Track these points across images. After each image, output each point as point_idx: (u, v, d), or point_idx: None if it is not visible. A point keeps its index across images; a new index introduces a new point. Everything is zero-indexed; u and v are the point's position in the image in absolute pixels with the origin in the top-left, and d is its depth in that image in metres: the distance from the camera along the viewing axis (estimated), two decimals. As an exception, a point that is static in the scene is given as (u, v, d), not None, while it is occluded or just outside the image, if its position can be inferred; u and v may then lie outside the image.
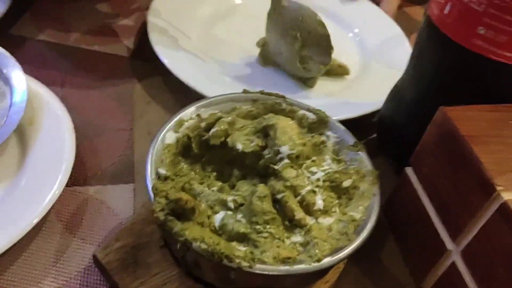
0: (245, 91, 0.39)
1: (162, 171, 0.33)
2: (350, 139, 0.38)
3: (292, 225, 0.32)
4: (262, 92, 0.40)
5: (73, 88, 0.51)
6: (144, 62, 0.55)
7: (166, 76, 0.51)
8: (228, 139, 0.35)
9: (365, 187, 0.35)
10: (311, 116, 0.39)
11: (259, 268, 0.29)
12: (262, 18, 0.54)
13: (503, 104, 0.37)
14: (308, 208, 0.33)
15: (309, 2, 0.68)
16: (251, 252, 0.30)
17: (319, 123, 0.39)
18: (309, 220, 0.32)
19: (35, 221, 0.36)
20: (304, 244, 0.31)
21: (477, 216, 0.32)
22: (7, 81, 0.43)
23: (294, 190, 0.33)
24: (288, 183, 0.33)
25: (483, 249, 0.32)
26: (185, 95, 0.48)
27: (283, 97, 0.40)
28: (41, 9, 0.61)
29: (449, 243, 0.35)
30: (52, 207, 0.39)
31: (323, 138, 0.38)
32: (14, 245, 0.35)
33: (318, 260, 0.30)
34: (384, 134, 0.49)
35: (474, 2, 0.34)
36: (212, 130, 0.36)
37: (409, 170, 0.41)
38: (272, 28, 0.53)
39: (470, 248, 0.33)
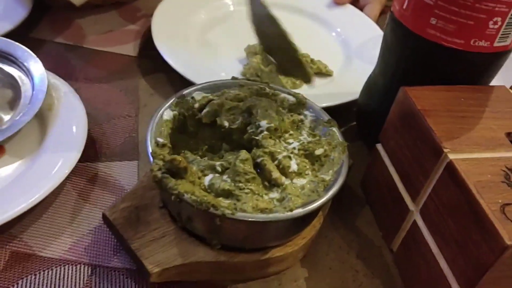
0: (233, 78, 0.46)
1: (160, 139, 0.38)
2: (325, 117, 0.44)
3: (271, 185, 0.38)
4: (248, 79, 0.46)
5: (87, 82, 0.57)
6: (149, 61, 0.61)
7: (167, 73, 0.58)
8: (217, 119, 0.42)
9: (336, 155, 0.41)
10: (291, 98, 0.45)
11: (240, 215, 0.34)
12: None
13: (458, 85, 0.43)
14: (284, 171, 0.38)
15: (296, 6, 0.75)
16: (234, 204, 0.35)
17: (298, 104, 0.45)
18: (285, 181, 0.38)
19: (51, 189, 0.41)
20: (280, 200, 0.37)
21: (430, 177, 0.38)
22: (28, 73, 0.50)
23: (272, 156, 0.38)
24: (266, 150, 0.39)
25: (435, 206, 0.37)
26: (184, 87, 0.54)
27: (266, 83, 0.46)
28: (58, 15, 0.68)
29: (410, 205, 0.40)
30: (68, 179, 0.45)
31: (301, 117, 0.44)
32: (36, 207, 0.41)
33: (291, 210, 0.35)
34: (361, 120, 0.54)
35: (426, -4, 0.40)
36: (204, 111, 0.42)
37: (379, 146, 0.46)
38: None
39: (426, 206, 0.38)
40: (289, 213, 0.35)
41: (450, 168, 0.35)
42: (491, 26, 0.39)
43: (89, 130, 0.48)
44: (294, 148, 0.40)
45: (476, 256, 0.33)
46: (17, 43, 0.52)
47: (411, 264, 0.41)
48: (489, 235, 0.31)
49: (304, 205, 0.36)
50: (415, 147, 0.40)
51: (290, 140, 0.41)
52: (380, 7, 0.76)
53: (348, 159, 0.40)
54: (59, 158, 0.44)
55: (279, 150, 0.39)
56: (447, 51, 0.41)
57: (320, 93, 0.57)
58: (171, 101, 0.42)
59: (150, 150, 0.37)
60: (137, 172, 0.47)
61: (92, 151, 0.49)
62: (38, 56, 0.51)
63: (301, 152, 0.40)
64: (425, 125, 0.38)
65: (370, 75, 0.52)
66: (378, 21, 0.75)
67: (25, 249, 0.40)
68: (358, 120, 0.55)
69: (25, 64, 0.51)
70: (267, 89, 0.45)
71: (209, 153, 0.42)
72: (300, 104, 0.45)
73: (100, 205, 0.44)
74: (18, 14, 0.61)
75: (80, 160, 0.45)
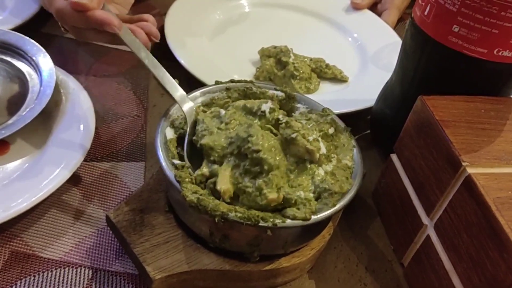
0: (217, 82, 0.44)
1: (176, 161, 0.37)
2: (319, 107, 0.44)
3: (301, 166, 0.37)
4: (232, 81, 0.45)
5: (96, 80, 0.56)
6: (160, 60, 0.60)
7: (179, 73, 0.56)
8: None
9: (345, 140, 0.41)
10: (280, 94, 0.44)
11: (290, 223, 0.34)
12: (267, 24, 0.59)
13: (478, 96, 0.41)
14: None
15: (313, 9, 0.74)
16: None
17: (288, 98, 0.44)
18: (320, 170, 0.38)
19: (54, 188, 0.40)
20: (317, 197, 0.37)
21: (447, 191, 0.36)
22: (37, 68, 0.49)
23: (303, 137, 0.37)
24: (297, 129, 0.38)
25: (451, 220, 0.35)
26: (193, 88, 0.53)
27: (251, 82, 0.45)
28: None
29: (424, 218, 0.39)
30: (72, 178, 0.44)
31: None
32: (39, 205, 0.40)
33: (334, 205, 0.35)
34: (376, 127, 0.53)
35: (449, 3, 0.38)
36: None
37: (393, 156, 0.44)
38: None
39: (441, 220, 0.37)
40: (334, 208, 0.35)
41: (469, 182, 0.34)
42: (516, 36, 0.37)
43: (96, 128, 0.47)
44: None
45: (492, 274, 0.31)
46: (26, 37, 0.51)
47: (423, 279, 0.39)
48: (507, 253, 0.30)
49: (341, 198, 0.36)
50: (431, 158, 0.38)
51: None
52: (398, 13, 0.74)
53: (357, 144, 0.41)
54: (64, 157, 0.43)
55: (309, 133, 0.38)
56: (469, 60, 0.39)
57: (334, 99, 0.55)
58: (164, 118, 0.40)
59: (172, 175, 0.36)
60: (143, 173, 0.46)
61: (99, 151, 0.48)
62: (47, 51, 0.51)
63: (319, 133, 0.40)
64: (443, 136, 0.37)
65: (387, 82, 0.50)
66: (396, 28, 0.73)
67: (25, 249, 0.39)
68: (372, 128, 0.54)
69: (34, 59, 0.50)
70: (254, 89, 0.44)
71: None
72: (290, 98, 0.44)
73: (104, 207, 0.43)
74: (29, 9, 0.60)
75: (85, 159, 0.44)
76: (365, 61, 0.65)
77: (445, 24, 0.39)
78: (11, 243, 0.39)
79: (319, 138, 0.39)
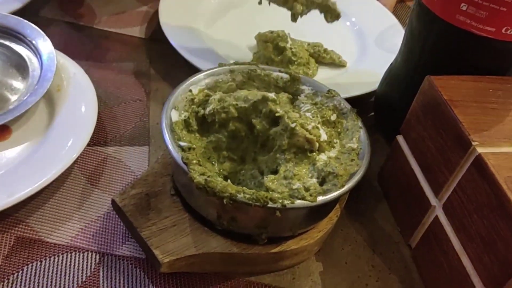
0: (220, 64, 0.44)
1: (183, 143, 0.37)
2: (324, 88, 0.43)
3: (302, 155, 0.37)
4: (236, 63, 0.44)
5: (96, 64, 0.55)
6: (160, 43, 0.59)
7: (179, 56, 0.56)
8: (253, 121, 0.39)
9: (350, 123, 0.41)
10: (284, 75, 0.44)
11: (299, 203, 0.34)
12: (264, 9, 0.58)
13: (486, 75, 0.41)
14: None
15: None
16: (288, 192, 0.35)
17: (293, 80, 0.44)
18: (321, 155, 0.38)
19: (59, 172, 0.40)
20: (322, 178, 0.36)
21: (456, 171, 0.36)
22: (37, 51, 0.48)
23: (302, 127, 0.37)
24: (295, 120, 0.37)
25: (460, 201, 0.35)
26: (196, 72, 0.52)
27: (255, 64, 0.44)
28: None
29: (432, 199, 0.39)
30: (76, 162, 0.43)
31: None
32: (43, 191, 0.40)
33: (342, 186, 0.35)
34: (380, 111, 0.52)
35: (457, -19, 0.38)
36: (208, 109, 0.39)
37: (399, 138, 0.44)
38: None
39: (450, 201, 0.37)
40: (343, 189, 0.35)
41: (479, 162, 0.33)
42: (525, 14, 0.37)
43: (98, 113, 0.46)
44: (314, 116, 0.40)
45: (504, 255, 0.31)
46: (25, 21, 0.50)
47: (431, 261, 0.39)
48: (519, 233, 0.30)
49: (350, 177, 0.36)
50: (439, 139, 0.38)
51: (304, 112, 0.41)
52: (396, -4, 0.74)
53: (363, 124, 0.41)
54: (67, 141, 0.42)
55: (307, 122, 0.38)
56: (477, 39, 0.39)
57: (336, 84, 0.55)
58: (171, 100, 0.39)
59: (179, 157, 0.35)
60: (147, 157, 0.46)
61: (102, 135, 0.47)
62: (47, 35, 0.50)
63: (320, 120, 0.40)
64: (452, 116, 0.36)
65: (391, 64, 0.50)
66: (395, 9, 0.72)
67: (31, 234, 0.38)
68: (376, 111, 0.53)
69: (34, 42, 0.49)
70: (258, 71, 0.44)
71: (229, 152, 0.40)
72: (295, 80, 0.44)
73: (109, 191, 0.42)
74: (28, -8, 0.59)
75: (89, 144, 0.44)
76: (364, 45, 0.64)
77: (452, 3, 0.38)
78: (17, 229, 0.38)
79: (319, 125, 0.39)
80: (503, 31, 0.38)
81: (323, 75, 0.59)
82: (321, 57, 0.60)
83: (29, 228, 0.39)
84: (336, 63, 0.61)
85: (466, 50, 0.40)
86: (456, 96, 0.38)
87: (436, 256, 0.38)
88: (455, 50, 0.41)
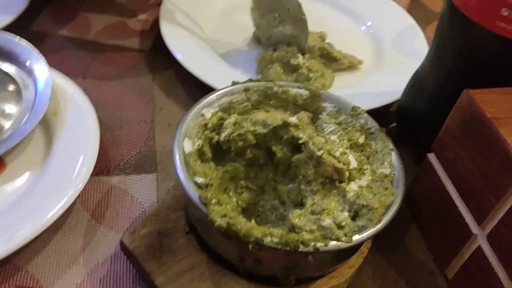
0: (234, 83, 0.40)
1: (199, 179, 0.33)
2: (348, 105, 0.39)
3: (331, 185, 0.33)
4: (250, 80, 0.40)
5: (95, 81, 0.51)
6: (163, 55, 0.55)
7: (183, 69, 0.52)
8: (273, 148, 0.35)
9: (379, 144, 0.37)
10: (304, 92, 0.40)
11: (333, 245, 0.30)
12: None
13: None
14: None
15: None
16: (319, 233, 0.31)
17: (313, 97, 0.40)
18: (351, 185, 0.34)
19: (62, 210, 0.36)
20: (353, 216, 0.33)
21: (504, 198, 0.32)
22: (30, 73, 0.44)
23: (330, 153, 0.33)
24: (321, 146, 0.33)
25: (508, 232, 0.32)
26: (202, 86, 0.48)
27: (271, 80, 0.40)
28: (60, 5, 0.62)
29: (474, 228, 0.35)
30: (78, 197, 0.39)
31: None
32: (42, 233, 0.36)
33: (379, 221, 0.32)
34: (404, 123, 0.48)
35: (497, -16, 0.34)
36: (223, 136, 0.35)
37: (431, 157, 0.40)
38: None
39: (496, 231, 0.33)
40: (380, 225, 0.32)
41: (533, 190, 0.30)
42: None
43: (100, 138, 0.42)
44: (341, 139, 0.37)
45: None
46: (17, 38, 0.46)
47: (473, 294, 0.35)
48: None
49: (386, 210, 0.33)
50: (483, 160, 0.34)
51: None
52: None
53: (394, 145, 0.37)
54: (68, 173, 0.39)
55: (335, 148, 0.34)
56: (520, 48, 0.35)
57: (355, 94, 0.51)
58: (183, 128, 0.35)
59: (195, 195, 0.31)
60: (155, 186, 0.42)
61: (105, 163, 0.43)
62: (40, 52, 0.46)
63: (348, 143, 0.37)
64: (497, 136, 0.32)
65: (417, 72, 0.46)
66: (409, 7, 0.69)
67: (32, 284, 0.34)
68: (399, 123, 0.49)
69: (27, 62, 0.45)
70: (275, 88, 0.40)
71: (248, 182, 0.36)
72: (315, 97, 0.40)
73: (116, 228, 0.39)
74: (17, 5, 0.55)
75: (91, 174, 0.40)
76: (381, 49, 0.60)
77: (492, 7, 0.35)
78: (16, 277, 0.35)
79: (347, 151, 0.35)
80: (549, 38, 0.34)
81: (340, 83, 0.55)
82: (340, 63, 0.56)
83: (29, 276, 0.35)
84: (354, 66, 0.57)
85: (508, 59, 0.36)
86: (500, 112, 0.34)
87: (480, 290, 0.35)
88: (495, 60, 0.37)
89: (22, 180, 0.39)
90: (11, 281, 0.34)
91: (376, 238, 0.40)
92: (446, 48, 0.40)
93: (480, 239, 0.35)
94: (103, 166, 0.43)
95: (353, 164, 0.34)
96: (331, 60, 0.56)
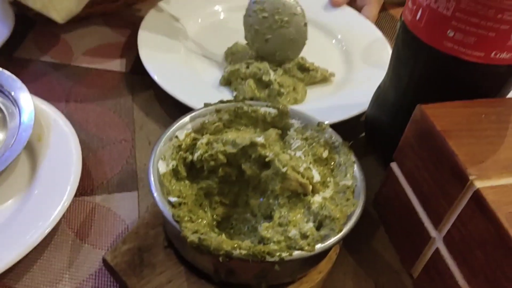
0: (206, 104, 0.42)
1: (173, 198, 0.35)
2: (314, 121, 0.42)
3: (296, 199, 0.36)
4: (221, 101, 0.43)
5: (77, 104, 0.54)
6: (141, 76, 0.58)
7: (161, 89, 0.54)
8: (243, 166, 0.38)
9: (342, 158, 0.40)
10: (272, 110, 0.43)
11: (297, 254, 0.32)
12: (243, 29, 0.58)
13: (477, 99, 0.40)
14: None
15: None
16: (285, 243, 0.33)
17: (281, 115, 0.42)
18: (316, 197, 0.36)
19: (47, 230, 0.38)
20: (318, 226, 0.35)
21: (454, 205, 0.35)
22: (15, 102, 0.46)
23: (293, 169, 0.36)
24: (286, 163, 0.36)
25: (461, 235, 0.34)
26: (180, 105, 0.51)
27: (241, 100, 0.43)
28: (42, 31, 0.64)
29: (432, 231, 0.38)
30: (63, 217, 0.42)
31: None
32: (29, 253, 0.38)
33: (340, 231, 0.34)
34: (371, 133, 0.51)
35: (442, 7, 0.37)
36: (197, 155, 0.38)
37: (393, 165, 0.43)
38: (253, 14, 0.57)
39: (450, 234, 0.36)
40: (341, 234, 0.34)
41: (478, 197, 0.32)
42: (513, 37, 0.36)
43: (83, 158, 0.44)
44: (305, 155, 0.39)
45: (511, 295, 0.30)
46: (0, 69, 0.48)
47: (435, 293, 0.38)
48: (526, 274, 0.29)
49: (347, 220, 0.35)
50: (436, 170, 0.37)
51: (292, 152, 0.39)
52: (378, 7, 0.73)
53: (356, 158, 0.40)
54: (52, 195, 0.41)
55: (299, 164, 0.36)
56: (466, 65, 0.38)
57: (327, 107, 0.54)
58: (157, 150, 0.38)
59: (169, 214, 0.34)
60: (137, 203, 0.44)
61: (88, 183, 0.46)
62: (23, 78, 0.48)
63: (312, 158, 0.39)
64: (447, 148, 0.35)
65: (380, 87, 0.49)
66: (377, 20, 0.72)
67: (20, 303, 0.37)
68: (367, 132, 0.52)
69: (10, 91, 0.47)
70: (245, 107, 0.42)
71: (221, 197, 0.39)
72: (283, 114, 0.42)
73: (100, 245, 0.41)
74: (0, 34, 0.57)
75: (75, 195, 0.42)
76: (351, 61, 0.63)
77: (439, 29, 0.38)
78: (5, 297, 0.37)
79: (311, 166, 0.38)
80: (492, 55, 0.37)
81: (313, 96, 0.58)
82: (313, 76, 0.59)
83: (18, 295, 0.37)
84: (327, 79, 0.60)
85: (456, 75, 0.39)
86: (449, 125, 0.37)
87: (439, 289, 0.37)
88: (444, 76, 0.40)
89: (8, 203, 0.42)
90: (0, 300, 0.37)
91: (346, 242, 0.43)
92: (402, 65, 0.43)
93: (438, 242, 0.37)
94: (87, 186, 0.45)
95: (317, 178, 0.37)
96: (306, 71, 0.59)
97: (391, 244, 0.44)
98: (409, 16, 0.40)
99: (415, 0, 0.39)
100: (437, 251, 0.37)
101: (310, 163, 0.38)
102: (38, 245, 0.38)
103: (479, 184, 0.33)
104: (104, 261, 0.36)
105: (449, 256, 0.36)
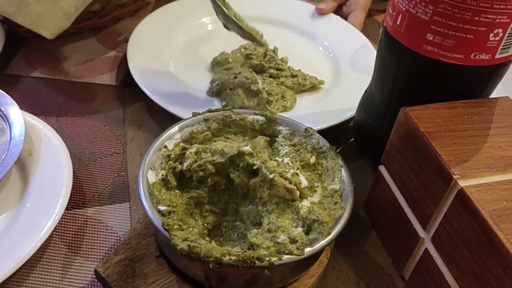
0: (194, 114, 0.43)
1: (163, 207, 0.36)
2: (301, 127, 0.43)
3: (285, 205, 0.36)
4: (209, 110, 0.43)
5: (68, 119, 0.54)
6: (132, 89, 0.58)
7: (152, 101, 0.55)
8: (231, 175, 0.38)
9: (330, 162, 0.40)
10: (260, 118, 0.43)
11: (287, 258, 0.33)
12: (233, 39, 0.58)
13: (459, 100, 0.41)
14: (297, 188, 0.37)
15: (282, 19, 0.72)
16: (274, 247, 0.34)
17: (269, 122, 0.43)
18: (304, 202, 0.37)
19: (39, 244, 0.38)
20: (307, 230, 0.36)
21: (440, 204, 0.35)
22: (6, 118, 0.47)
23: (281, 176, 0.36)
24: (273, 169, 0.37)
25: (448, 234, 0.35)
26: (170, 116, 0.51)
27: (229, 109, 0.44)
28: (32, 48, 0.64)
29: (421, 232, 0.38)
30: (55, 230, 0.42)
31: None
32: (22, 267, 0.38)
33: (329, 234, 0.34)
34: (360, 137, 0.52)
35: (421, 12, 0.38)
36: (186, 164, 0.39)
37: (382, 168, 0.44)
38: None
39: (438, 234, 0.36)
40: (329, 237, 0.34)
41: (462, 196, 0.33)
42: (491, 39, 0.37)
43: (74, 172, 0.45)
44: (293, 161, 0.39)
45: (499, 292, 0.30)
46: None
47: (426, 293, 0.39)
48: (511, 269, 0.29)
49: (336, 222, 0.35)
50: (421, 171, 0.37)
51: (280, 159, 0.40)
52: (364, 14, 0.74)
53: (343, 162, 0.40)
54: (44, 209, 0.41)
55: (286, 170, 0.37)
56: (446, 67, 0.38)
57: (316, 113, 0.54)
58: (147, 160, 0.38)
59: (159, 223, 0.34)
60: (129, 215, 0.45)
61: (80, 196, 0.46)
62: (14, 94, 0.49)
63: (299, 164, 0.39)
64: (431, 149, 0.36)
65: (366, 91, 0.50)
66: (364, 26, 0.73)
67: (14, 317, 0.37)
68: (356, 137, 0.53)
69: (0, 106, 0.48)
70: (233, 116, 0.43)
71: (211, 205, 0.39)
72: (271, 122, 0.43)
73: (92, 258, 0.41)
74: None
75: (67, 208, 0.42)
76: (338, 68, 0.64)
77: (418, 33, 0.38)
78: (-2, 312, 0.37)
79: (298, 172, 0.38)
80: (471, 56, 0.38)
81: (303, 103, 0.58)
82: (302, 85, 0.59)
83: (11, 309, 0.37)
84: (316, 86, 0.60)
85: (437, 78, 0.40)
86: (433, 126, 0.38)
87: (430, 289, 0.38)
88: (427, 79, 0.41)
89: (0, 217, 0.42)
90: (-6, 315, 0.37)
91: (338, 246, 0.44)
92: (386, 69, 0.44)
93: (427, 242, 0.38)
94: (79, 199, 0.46)
95: (304, 183, 0.38)
96: (293, 77, 0.60)
97: (383, 247, 0.45)
98: (390, 21, 0.41)
99: (395, 6, 0.40)
100: (426, 251, 0.38)
101: (297, 168, 0.39)
102: (30, 259, 0.39)
103: (463, 183, 0.33)
104: (96, 272, 0.37)
105: (438, 256, 0.37)
